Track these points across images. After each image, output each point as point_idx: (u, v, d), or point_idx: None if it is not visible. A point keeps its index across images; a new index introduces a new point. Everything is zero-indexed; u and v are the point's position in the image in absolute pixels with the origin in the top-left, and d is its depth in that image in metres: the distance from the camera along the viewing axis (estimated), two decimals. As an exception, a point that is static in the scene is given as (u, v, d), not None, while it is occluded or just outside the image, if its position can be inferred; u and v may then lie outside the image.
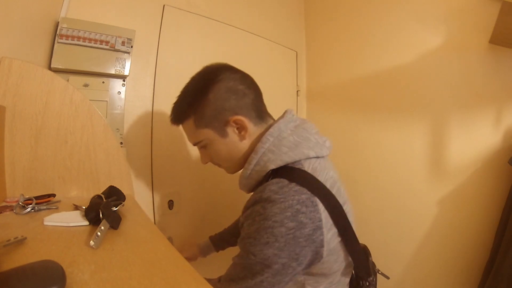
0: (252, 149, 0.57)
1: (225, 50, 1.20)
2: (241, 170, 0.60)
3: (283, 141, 0.55)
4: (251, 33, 1.30)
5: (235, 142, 0.59)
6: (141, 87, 0.99)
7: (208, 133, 0.58)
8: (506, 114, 0.88)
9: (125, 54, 0.88)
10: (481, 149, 0.93)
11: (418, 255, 1.08)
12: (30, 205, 0.53)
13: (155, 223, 0.99)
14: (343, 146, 1.35)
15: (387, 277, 0.70)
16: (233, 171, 0.64)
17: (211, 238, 0.93)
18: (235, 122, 0.57)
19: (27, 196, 0.56)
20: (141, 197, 0.91)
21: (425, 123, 1.07)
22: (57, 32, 0.78)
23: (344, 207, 0.53)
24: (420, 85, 1.08)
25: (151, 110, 1.01)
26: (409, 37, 1.12)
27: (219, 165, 0.65)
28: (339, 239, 0.52)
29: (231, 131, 0.58)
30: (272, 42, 1.40)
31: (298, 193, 0.48)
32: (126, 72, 0.89)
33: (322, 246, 0.49)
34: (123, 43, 0.87)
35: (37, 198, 0.56)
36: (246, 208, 0.53)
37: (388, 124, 1.19)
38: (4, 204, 0.55)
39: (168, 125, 1.01)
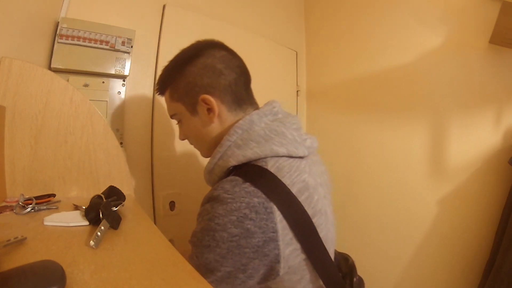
0: (221, 138, 0.51)
1: (225, 50, 1.19)
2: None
3: (253, 134, 0.49)
4: (251, 32, 1.30)
5: (203, 123, 0.54)
6: (141, 87, 0.99)
7: (179, 108, 0.56)
8: (506, 114, 0.88)
9: (125, 54, 0.88)
10: (481, 149, 0.93)
11: (417, 255, 1.08)
12: (30, 205, 0.53)
13: (155, 224, 0.98)
14: (343, 146, 1.35)
15: None
16: (205, 154, 0.59)
17: None
18: (204, 100, 0.52)
19: (27, 196, 0.56)
20: (141, 197, 0.91)
21: (425, 123, 1.07)
22: (57, 32, 0.78)
23: (314, 219, 0.45)
24: (420, 85, 1.08)
25: (151, 110, 1.00)
26: (409, 37, 1.12)
27: (194, 145, 0.61)
28: (303, 256, 0.44)
29: (202, 111, 0.53)
30: (272, 42, 1.40)
31: (249, 195, 0.41)
32: (126, 72, 0.89)
33: (278, 262, 0.42)
34: (123, 43, 0.87)
35: (37, 198, 0.56)
36: (201, 205, 0.48)
37: (388, 124, 1.19)
38: (4, 204, 0.55)
39: (169, 125, 1.02)
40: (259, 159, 0.46)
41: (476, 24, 0.94)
